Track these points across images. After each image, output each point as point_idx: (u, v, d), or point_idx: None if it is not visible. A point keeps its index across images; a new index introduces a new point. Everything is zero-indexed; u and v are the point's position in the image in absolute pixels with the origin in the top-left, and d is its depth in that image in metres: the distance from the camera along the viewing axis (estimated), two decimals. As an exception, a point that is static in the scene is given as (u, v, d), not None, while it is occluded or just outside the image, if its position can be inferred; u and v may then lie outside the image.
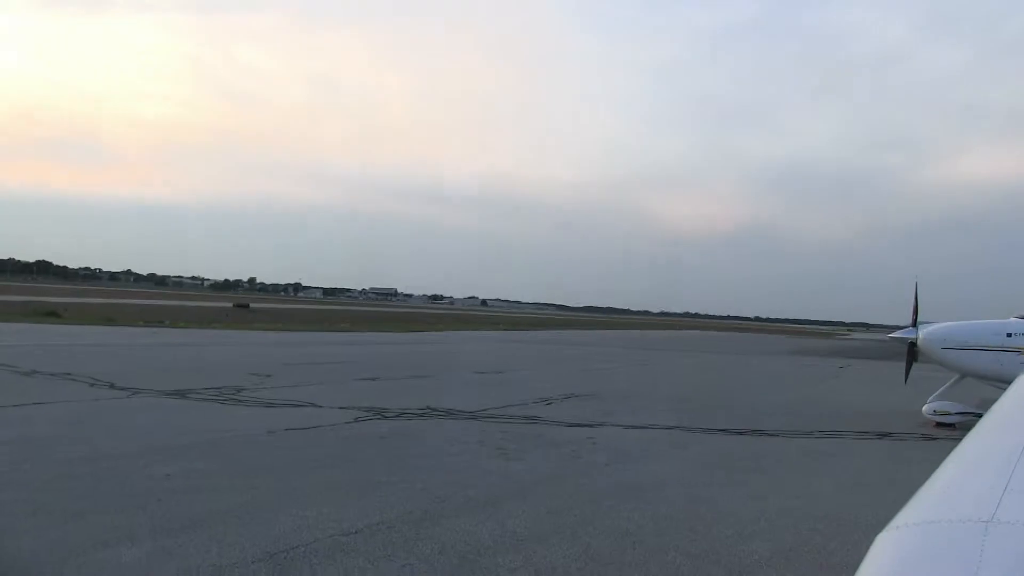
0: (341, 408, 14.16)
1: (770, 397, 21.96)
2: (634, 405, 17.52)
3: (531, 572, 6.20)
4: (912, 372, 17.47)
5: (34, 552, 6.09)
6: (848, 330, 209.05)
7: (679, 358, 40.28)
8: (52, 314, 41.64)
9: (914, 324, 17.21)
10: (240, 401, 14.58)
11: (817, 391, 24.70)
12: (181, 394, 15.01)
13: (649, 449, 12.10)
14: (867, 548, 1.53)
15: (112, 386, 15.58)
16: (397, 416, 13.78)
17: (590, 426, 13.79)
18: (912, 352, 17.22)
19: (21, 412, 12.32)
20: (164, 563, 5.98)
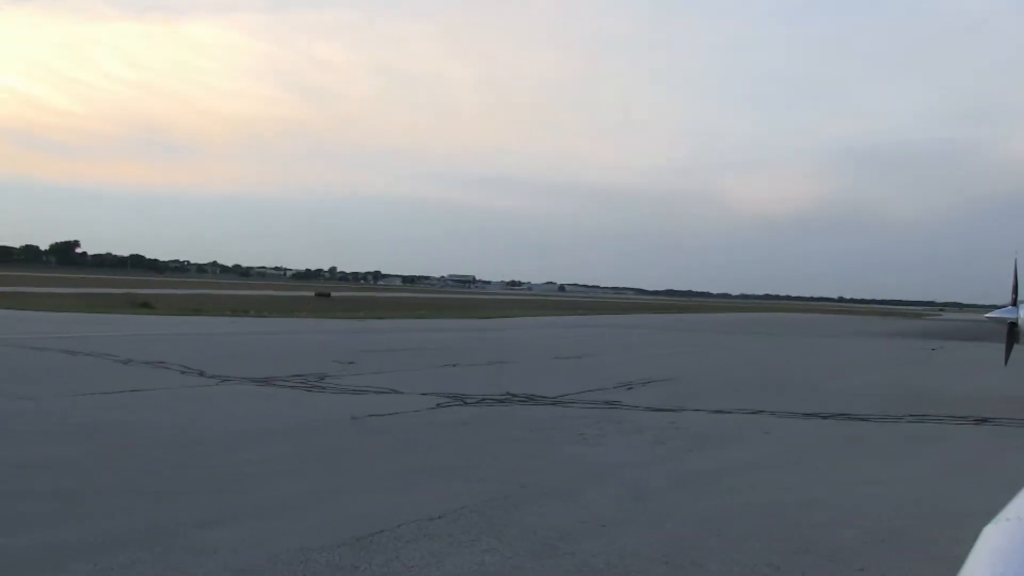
0: (422, 394, 14.29)
1: (859, 380, 21.38)
2: (717, 389, 17.27)
3: (613, 558, 6.15)
4: (1013, 354, 16.75)
5: (133, 530, 6.29)
6: (940, 310, 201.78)
7: (763, 341, 39.54)
8: (145, 305, 43.03)
9: (1014, 303, 16.36)
10: (324, 388, 14.84)
11: (908, 373, 23.97)
12: (267, 381, 15.34)
13: (733, 434, 11.90)
14: (972, 540, 1.45)
15: (202, 374, 16.02)
16: (478, 402, 13.84)
17: (672, 411, 13.62)
18: (1013, 333, 16.41)
19: (120, 399, 12.76)
20: (253, 546, 6.11)
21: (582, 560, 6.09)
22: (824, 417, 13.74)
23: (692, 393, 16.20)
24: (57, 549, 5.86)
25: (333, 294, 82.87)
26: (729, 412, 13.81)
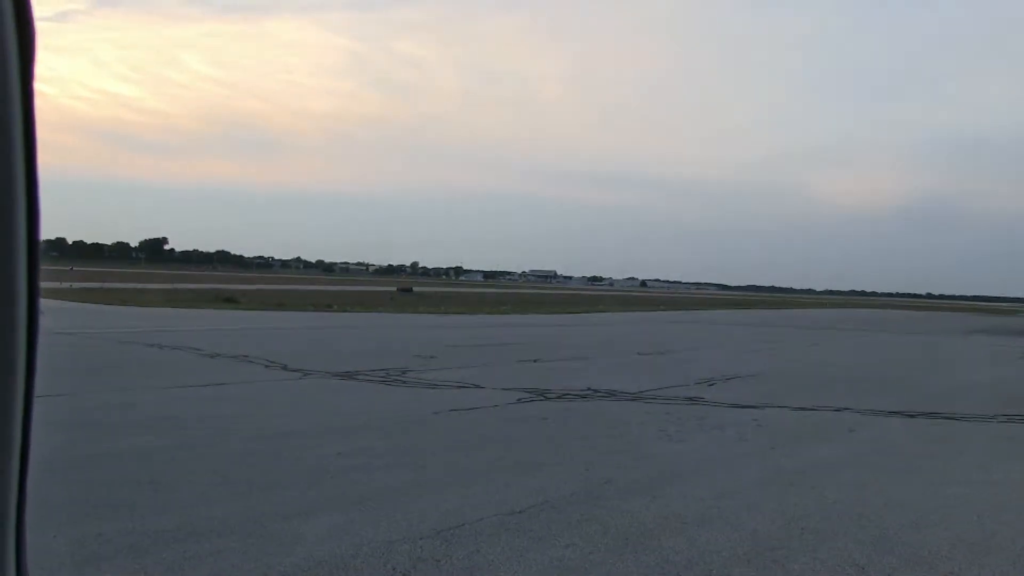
0: (504, 389, 14.37)
1: (948, 377, 20.72)
2: (801, 386, 16.94)
3: (694, 555, 6.09)
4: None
5: (224, 520, 6.49)
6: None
7: (848, 337, 38.57)
8: (230, 300, 44.30)
9: None
10: (405, 382, 15.04)
11: (1002, 372, 23.10)
12: (349, 375, 15.63)
13: (817, 432, 11.66)
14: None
15: (285, 368, 16.41)
16: (559, 397, 13.85)
17: (755, 407, 13.41)
18: None
19: (207, 392, 13.17)
20: (339, 537, 6.24)
21: (663, 557, 6.06)
22: (911, 415, 13.36)
23: (776, 390, 15.92)
24: (149, 536, 6.09)
25: (415, 289, 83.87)
26: (813, 409, 13.53)
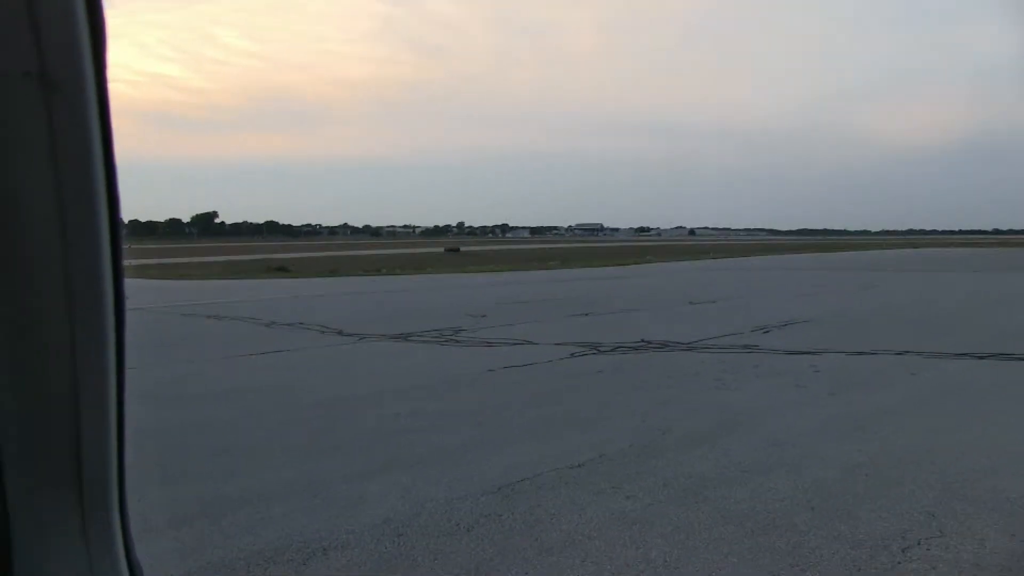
0: (556, 344, 14.38)
1: (1019, 316, 20.19)
2: (859, 330, 16.68)
3: (756, 504, 6.07)
4: None
5: (290, 484, 6.63)
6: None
7: (907, 278, 37.75)
8: (282, 269, 44.82)
9: None
10: (459, 342, 15.13)
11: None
12: (404, 337, 15.76)
13: (878, 376, 11.48)
14: None
15: (340, 333, 16.59)
16: (612, 350, 13.83)
17: (812, 353, 13.25)
18: None
19: (265, 360, 13.39)
20: (400, 497, 6.33)
21: (724, 507, 6.05)
22: (980, 357, 13.01)
23: (832, 335, 15.69)
24: (221, 500, 6.24)
25: (462, 249, 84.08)
26: (873, 353, 13.31)
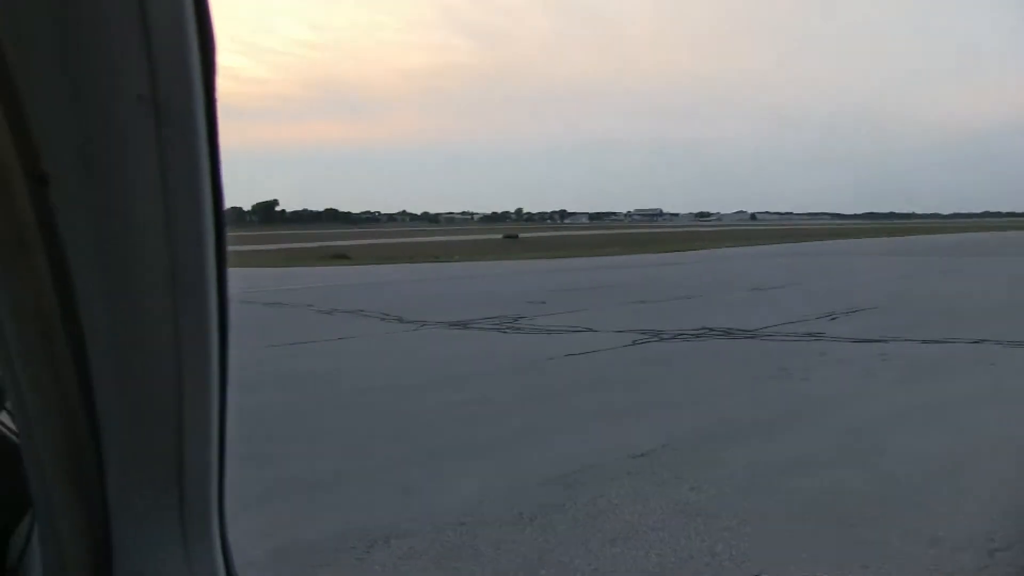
0: (617, 332, 14.24)
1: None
2: (931, 317, 16.18)
3: (825, 496, 5.90)
4: None
5: (349, 470, 6.65)
6: None
7: (981, 262, 36.51)
8: (342, 256, 45.32)
9: None
10: (519, 329, 15.08)
11: None
12: (463, 325, 15.76)
13: (953, 365, 11.11)
14: None
15: (400, 320, 16.66)
16: (673, 338, 13.65)
17: (881, 341, 12.88)
18: None
19: (327, 347, 13.51)
20: (462, 485, 6.30)
21: (791, 499, 5.89)
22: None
23: (903, 322, 15.24)
24: (285, 484, 6.29)
25: (520, 235, 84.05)
26: (946, 342, 12.88)
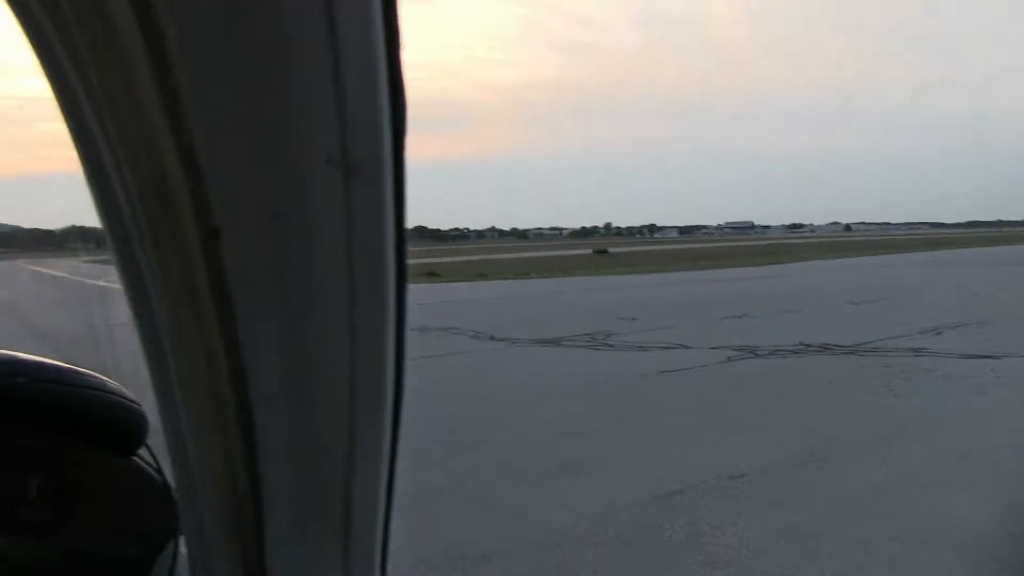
0: (711, 348, 14.02)
1: None
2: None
3: (937, 520, 5.67)
4: None
5: (447, 488, 6.69)
6: None
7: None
8: (432, 274, 45.81)
9: None
10: (611, 346, 14.98)
11: None
12: (555, 342, 15.75)
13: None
14: None
15: (492, 337, 16.74)
16: (770, 354, 13.36)
17: (991, 358, 12.33)
18: None
19: (418, 364, 13.64)
20: (557, 505, 6.28)
21: (904, 524, 5.68)
22: None
23: (1015, 337, 14.57)
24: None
25: (610, 250, 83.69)
26: (1061, 356, 12.27)
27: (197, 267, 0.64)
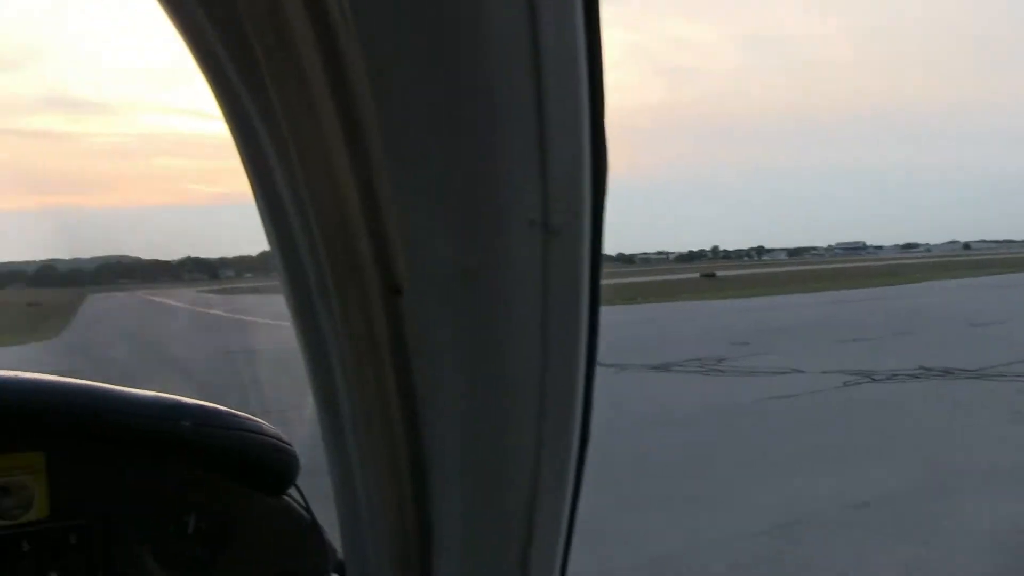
0: (825, 373, 13.68)
1: None
2: None
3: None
4: None
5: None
6: None
7: None
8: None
9: None
10: (722, 371, 14.79)
11: None
12: (665, 367, 15.64)
13: None
14: None
15: (600, 363, 16.59)
16: (888, 379, 12.95)
17: None
18: None
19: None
20: (671, 533, 6.26)
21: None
22: None
23: None
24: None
25: (718, 273, 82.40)
26: None
27: (376, 315, 0.67)
